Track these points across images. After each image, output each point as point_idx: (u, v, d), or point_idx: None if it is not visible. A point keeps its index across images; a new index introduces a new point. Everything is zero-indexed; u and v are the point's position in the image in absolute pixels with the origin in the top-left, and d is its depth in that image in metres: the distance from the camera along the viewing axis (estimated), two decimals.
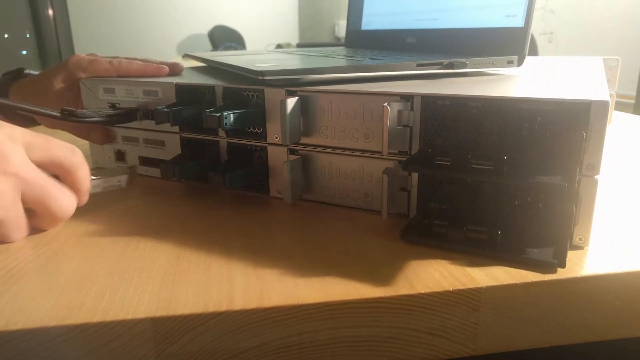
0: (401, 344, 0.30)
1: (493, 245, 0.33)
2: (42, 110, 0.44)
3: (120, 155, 0.54)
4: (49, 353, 0.26)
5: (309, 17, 4.09)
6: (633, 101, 2.33)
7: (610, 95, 0.69)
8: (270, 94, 0.42)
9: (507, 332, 0.30)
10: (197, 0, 3.71)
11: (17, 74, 0.60)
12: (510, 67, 0.48)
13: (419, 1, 0.61)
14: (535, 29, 2.79)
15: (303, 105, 0.41)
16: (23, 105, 0.43)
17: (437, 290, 0.29)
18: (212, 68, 0.63)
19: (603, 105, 0.31)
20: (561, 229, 0.32)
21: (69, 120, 0.45)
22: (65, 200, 0.37)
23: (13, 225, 0.35)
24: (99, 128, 0.53)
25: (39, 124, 0.59)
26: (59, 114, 0.44)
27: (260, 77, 0.41)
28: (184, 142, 0.49)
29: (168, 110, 0.43)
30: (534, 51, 2.53)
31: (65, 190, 0.37)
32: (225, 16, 3.73)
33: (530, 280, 0.30)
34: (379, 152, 0.39)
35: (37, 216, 0.37)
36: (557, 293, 0.30)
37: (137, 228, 0.39)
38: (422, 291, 0.29)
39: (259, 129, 0.44)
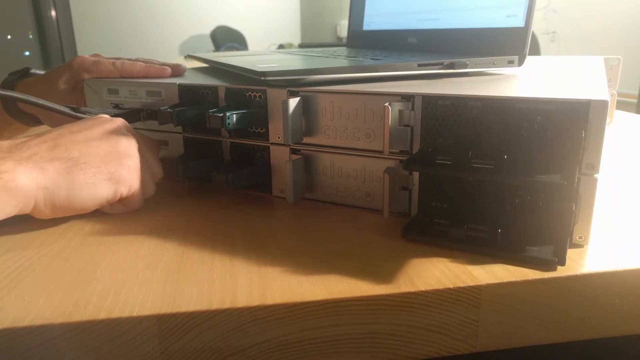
0: (402, 341, 0.30)
1: (493, 243, 0.34)
2: (53, 106, 0.45)
3: None
4: (56, 350, 0.27)
5: (310, 17, 4.09)
6: (636, 100, 2.32)
7: (611, 95, 0.69)
8: (272, 94, 0.42)
9: (507, 329, 0.31)
10: (199, 1, 3.72)
11: (23, 74, 0.60)
12: (510, 67, 0.48)
13: (420, 2, 0.61)
14: (537, 29, 2.79)
15: (305, 106, 0.42)
16: (34, 100, 0.44)
17: (438, 288, 0.29)
18: (214, 69, 0.63)
19: (602, 105, 0.31)
20: (561, 227, 0.33)
21: (78, 117, 0.45)
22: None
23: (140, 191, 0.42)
24: None
25: (42, 124, 0.59)
26: (68, 110, 0.45)
27: (262, 78, 0.41)
28: (187, 142, 0.49)
29: (171, 110, 0.43)
30: (536, 51, 2.52)
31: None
32: (227, 16, 3.73)
33: (530, 278, 0.30)
34: (381, 152, 0.40)
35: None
36: (557, 291, 0.31)
37: (142, 227, 0.40)
38: (423, 289, 0.29)
39: (262, 129, 0.44)
